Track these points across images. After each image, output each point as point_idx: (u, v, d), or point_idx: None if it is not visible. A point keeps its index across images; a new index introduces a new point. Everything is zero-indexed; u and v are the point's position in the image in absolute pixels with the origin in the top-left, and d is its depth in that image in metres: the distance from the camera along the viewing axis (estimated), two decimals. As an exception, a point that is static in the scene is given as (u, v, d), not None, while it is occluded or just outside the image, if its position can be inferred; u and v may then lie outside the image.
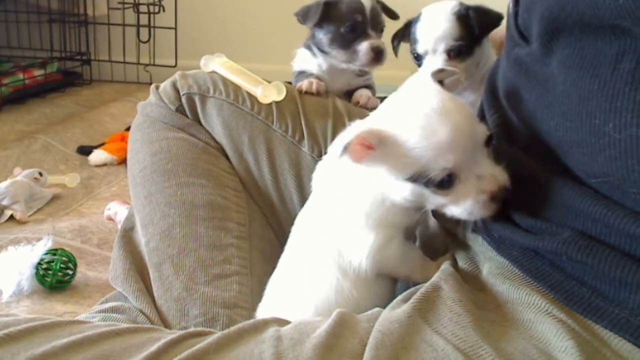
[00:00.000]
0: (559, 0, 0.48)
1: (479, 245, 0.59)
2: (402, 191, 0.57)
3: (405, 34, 1.03)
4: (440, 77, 0.61)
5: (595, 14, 0.44)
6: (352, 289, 0.64)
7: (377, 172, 0.58)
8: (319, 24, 1.05)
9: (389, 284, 0.67)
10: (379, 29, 1.06)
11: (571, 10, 0.47)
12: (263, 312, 0.73)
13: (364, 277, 0.64)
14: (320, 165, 0.71)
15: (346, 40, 1.04)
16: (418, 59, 0.99)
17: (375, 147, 0.54)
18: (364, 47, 1.02)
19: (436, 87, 0.58)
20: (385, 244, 0.62)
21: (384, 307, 0.56)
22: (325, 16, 1.05)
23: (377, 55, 1.02)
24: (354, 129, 0.55)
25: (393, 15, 1.10)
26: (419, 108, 0.55)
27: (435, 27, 0.95)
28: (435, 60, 0.95)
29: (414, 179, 0.54)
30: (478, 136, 0.55)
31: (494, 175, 0.55)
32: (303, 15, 1.08)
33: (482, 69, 0.98)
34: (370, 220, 0.61)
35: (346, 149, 0.53)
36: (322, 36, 1.06)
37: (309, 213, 0.71)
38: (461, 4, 0.97)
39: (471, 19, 0.94)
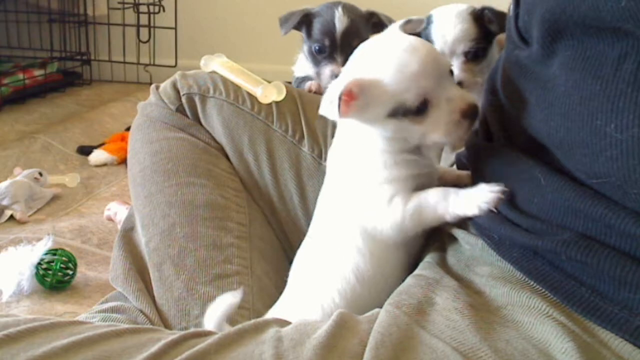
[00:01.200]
0: (560, 2, 0.48)
1: (480, 249, 0.59)
2: (386, 130, 0.63)
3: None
4: (408, 29, 0.68)
5: (597, 17, 0.44)
6: (369, 266, 0.67)
7: (363, 128, 0.64)
8: (305, 32, 1.05)
9: (404, 261, 0.68)
10: (350, 52, 1.03)
11: (572, 12, 0.47)
12: (287, 297, 0.74)
13: (384, 249, 0.66)
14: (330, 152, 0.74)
15: (316, 58, 1.03)
16: None
17: (358, 96, 0.60)
18: (326, 72, 1.01)
19: (402, 33, 0.67)
20: (395, 195, 0.64)
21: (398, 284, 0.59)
22: (305, 27, 1.04)
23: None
24: (334, 88, 0.61)
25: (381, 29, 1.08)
26: (389, 50, 0.62)
27: (452, 29, 0.94)
28: (453, 65, 0.94)
29: (394, 112, 0.61)
30: (443, 66, 0.62)
31: (462, 96, 0.62)
32: (283, 21, 1.08)
33: (489, 69, 0.98)
34: (381, 179, 0.65)
35: (335, 104, 0.59)
36: (304, 45, 1.06)
37: (325, 196, 0.74)
38: (472, 5, 0.96)
39: (486, 20, 0.93)
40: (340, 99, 0.59)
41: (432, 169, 0.69)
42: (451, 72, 0.64)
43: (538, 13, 0.52)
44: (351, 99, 0.60)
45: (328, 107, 0.61)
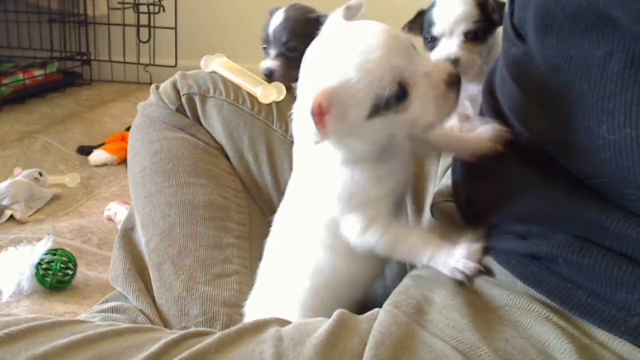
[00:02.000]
0: None
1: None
2: (372, 135, 0.57)
3: (415, 24, 1.02)
4: (350, 14, 0.60)
5: (589, 4, 0.44)
6: (343, 264, 0.64)
7: (338, 143, 0.58)
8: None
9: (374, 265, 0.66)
10: (281, 48, 0.99)
11: (565, 2, 0.47)
12: (255, 300, 0.73)
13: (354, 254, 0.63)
14: (294, 149, 0.69)
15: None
16: (432, 41, 0.97)
17: (330, 108, 0.52)
18: (262, 66, 0.99)
19: (347, 22, 0.59)
20: (370, 224, 0.60)
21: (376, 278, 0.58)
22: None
23: (267, 77, 0.97)
24: (299, 111, 0.55)
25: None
26: (344, 44, 0.55)
27: (454, 9, 0.94)
28: (451, 43, 0.94)
29: (375, 109, 0.54)
30: (404, 41, 0.56)
31: (438, 67, 0.56)
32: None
33: (491, 61, 0.98)
34: (346, 203, 0.60)
35: (312, 125, 0.52)
36: None
37: (291, 196, 0.70)
38: None
39: (489, 8, 0.94)
40: (313, 118, 0.51)
41: (407, 174, 0.65)
42: (413, 46, 0.58)
43: (532, 7, 0.52)
44: (324, 113, 0.52)
45: (305, 133, 0.53)
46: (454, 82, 0.56)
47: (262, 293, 0.73)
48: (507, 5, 0.63)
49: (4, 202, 1.45)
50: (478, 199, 0.62)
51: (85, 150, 1.92)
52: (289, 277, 0.68)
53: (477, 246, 0.56)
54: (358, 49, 0.54)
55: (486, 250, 0.56)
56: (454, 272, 0.55)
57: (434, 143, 0.66)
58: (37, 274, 1.11)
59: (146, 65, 2.69)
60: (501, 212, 0.56)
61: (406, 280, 0.60)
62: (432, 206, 0.73)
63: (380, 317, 0.51)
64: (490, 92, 0.67)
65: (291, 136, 0.90)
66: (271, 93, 0.90)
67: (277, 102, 0.92)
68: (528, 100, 0.55)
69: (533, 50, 0.53)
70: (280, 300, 0.68)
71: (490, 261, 0.57)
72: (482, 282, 0.55)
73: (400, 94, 0.54)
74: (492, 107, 0.66)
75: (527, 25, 0.54)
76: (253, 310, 0.73)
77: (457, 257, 0.56)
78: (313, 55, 0.58)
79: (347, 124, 0.54)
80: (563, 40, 0.48)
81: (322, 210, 0.63)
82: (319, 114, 0.52)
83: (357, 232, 0.60)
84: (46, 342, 0.47)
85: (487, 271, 0.55)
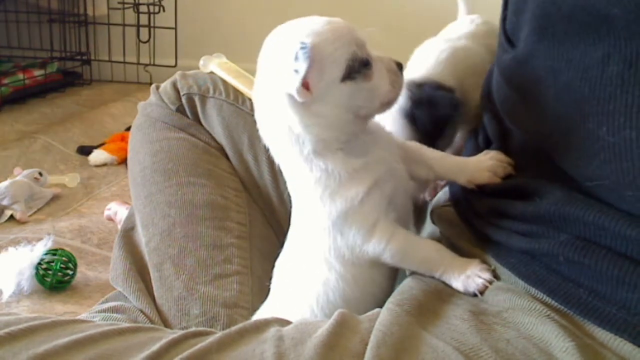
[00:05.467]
0: None
1: (481, 258, 0.59)
2: (340, 104, 0.58)
3: None
4: None
5: (586, 3, 0.44)
6: (346, 286, 0.63)
7: (307, 120, 0.58)
8: None
9: (386, 278, 0.65)
10: None
11: (561, 3, 0.47)
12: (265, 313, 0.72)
13: (358, 270, 0.63)
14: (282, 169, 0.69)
15: None
16: None
17: (313, 63, 0.55)
18: None
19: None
20: (373, 230, 0.60)
21: (383, 301, 0.56)
22: None
23: None
24: (283, 58, 0.56)
25: None
26: (311, 22, 0.59)
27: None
28: None
29: (349, 70, 0.57)
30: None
31: (383, 54, 0.62)
32: None
33: None
34: (332, 204, 0.60)
35: (301, 73, 0.54)
36: None
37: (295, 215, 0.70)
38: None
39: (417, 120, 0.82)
40: (306, 68, 0.54)
41: (394, 174, 0.64)
42: None
43: (529, 10, 0.52)
44: (311, 70, 0.55)
45: (287, 81, 0.55)
46: (399, 68, 0.62)
47: (271, 310, 0.71)
48: (501, 11, 0.63)
49: (4, 202, 1.45)
50: (479, 201, 0.62)
51: (85, 150, 1.92)
52: (297, 296, 0.67)
53: (487, 266, 0.57)
54: (325, 20, 0.59)
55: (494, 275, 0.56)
56: (467, 289, 0.56)
57: (431, 165, 0.67)
58: (37, 274, 1.11)
59: (146, 65, 2.69)
60: (501, 212, 0.56)
61: (409, 280, 0.60)
62: (432, 213, 0.73)
63: (382, 316, 0.51)
64: (488, 97, 0.67)
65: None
66: (268, 95, 0.90)
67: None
68: (523, 104, 0.56)
69: (527, 54, 0.54)
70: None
71: (490, 260, 0.57)
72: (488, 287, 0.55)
73: (366, 62, 0.59)
74: (489, 110, 0.67)
75: (519, 31, 0.54)
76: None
77: (469, 274, 0.57)
78: (276, 37, 0.61)
79: (323, 85, 0.57)
80: (559, 43, 0.48)
81: (322, 226, 0.62)
82: (307, 73, 0.54)
83: (360, 239, 0.60)
84: (47, 342, 0.47)
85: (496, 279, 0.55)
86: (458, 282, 0.57)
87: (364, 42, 0.59)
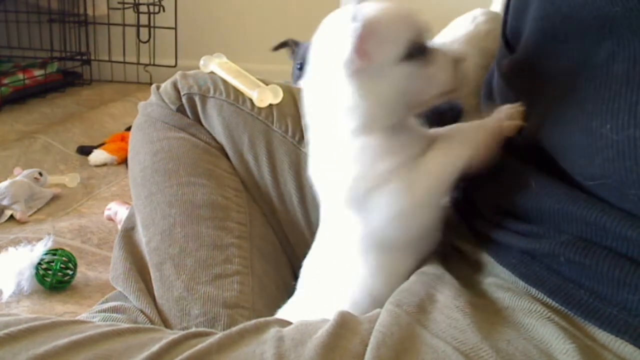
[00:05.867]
0: None
1: (481, 260, 0.59)
2: (396, 86, 0.58)
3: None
4: None
5: (586, 2, 0.44)
6: (378, 282, 0.63)
7: (359, 98, 0.58)
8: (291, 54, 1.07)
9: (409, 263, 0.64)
10: None
11: (561, 2, 0.46)
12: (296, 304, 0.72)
13: (393, 260, 0.62)
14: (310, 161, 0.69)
15: (297, 75, 1.04)
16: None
17: (371, 36, 0.55)
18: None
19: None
20: (389, 182, 0.59)
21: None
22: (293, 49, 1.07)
23: None
24: (338, 27, 0.57)
25: None
26: (377, 4, 0.58)
27: None
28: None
29: (410, 51, 0.57)
30: None
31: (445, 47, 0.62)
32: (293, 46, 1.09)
33: None
34: (362, 181, 0.60)
35: (351, 42, 0.54)
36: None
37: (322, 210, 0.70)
38: None
39: None
40: (358, 34, 0.53)
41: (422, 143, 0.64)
42: None
43: (530, 12, 0.52)
44: (365, 40, 0.55)
45: (345, 48, 0.55)
46: (459, 60, 0.60)
47: (298, 306, 0.71)
48: (502, 15, 0.63)
49: (4, 202, 1.45)
50: (478, 198, 0.62)
51: (85, 150, 1.93)
52: (323, 289, 0.67)
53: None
54: (388, 3, 0.58)
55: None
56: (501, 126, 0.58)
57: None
58: (37, 274, 1.11)
59: (146, 65, 2.69)
60: (502, 210, 0.56)
61: (411, 278, 0.60)
62: None
63: (382, 317, 0.51)
64: (489, 97, 0.67)
65: (291, 137, 0.90)
66: (267, 97, 0.90)
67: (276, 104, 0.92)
68: (524, 105, 0.55)
69: (527, 56, 0.53)
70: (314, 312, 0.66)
71: (491, 261, 0.57)
72: (485, 284, 0.55)
73: (426, 49, 0.58)
74: (491, 110, 0.67)
75: (520, 35, 0.54)
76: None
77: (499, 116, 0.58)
78: (336, 15, 0.60)
79: (380, 60, 0.57)
80: (561, 43, 0.48)
81: (345, 210, 0.62)
82: (362, 38, 0.54)
83: (386, 200, 0.58)
84: (47, 342, 0.47)
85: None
86: (490, 126, 0.58)
87: (426, 29, 0.59)
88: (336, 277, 0.66)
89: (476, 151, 0.59)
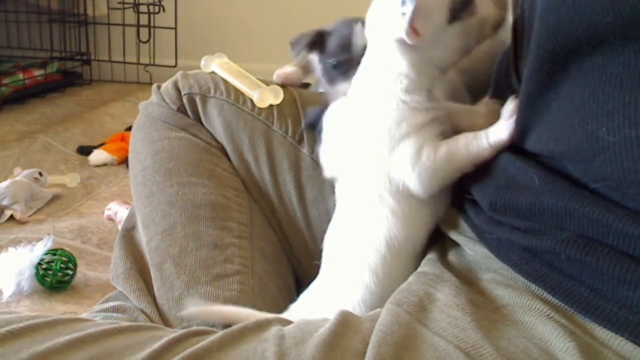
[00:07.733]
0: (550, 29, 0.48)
1: (481, 256, 0.59)
2: (451, 43, 0.65)
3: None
4: None
5: (575, 13, 0.44)
6: (400, 228, 0.66)
7: (416, 59, 0.64)
8: (318, 52, 1.00)
9: (431, 223, 0.69)
10: None
11: (549, 16, 0.47)
12: (321, 280, 0.73)
13: (414, 209, 0.66)
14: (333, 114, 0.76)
15: (330, 75, 0.98)
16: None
17: (419, 12, 0.60)
18: (340, 90, 0.93)
19: None
20: (422, 147, 0.64)
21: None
22: (319, 47, 0.99)
23: None
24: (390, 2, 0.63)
25: None
26: None
27: None
28: None
29: (453, 13, 0.63)
30: None
31: None
32: (294, 43, 1.03)
33: None
34: (404, 131, 0.64)
35: (408, 17, 0.59)
36: (318, 67, 1.01)
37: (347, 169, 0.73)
38: None
39: None
40: (412, 16, 0.59)
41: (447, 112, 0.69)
42: None
43: (531, 43, 0.52)
44: (417, 18, 0.60)
45: (396, 26, 0.61)
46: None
47: (325, 282, 0.73)
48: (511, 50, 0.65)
49: (4, 202, 1.45)
50: (478, 194, 0.62)
51: (85, 150, 1.93)
52: (353, 263, 0.69)
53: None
54: None
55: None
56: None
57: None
58: (37, 274, 1.11)
59: (146, 65, 2.69)
60: (502, 207, 0.56)
61: (410, 278, 0.60)
62: None
63: (382, 316, 0.51)
64: (500, 91, 0.68)
65: (291, 137, 0.90)
66: (267, 97, 0.90)
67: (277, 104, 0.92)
68: (525, 120, 0.56)
69: (537, 90, 0.54)
70: (343, 290, 0.69)
71: (490, 257, 0.57)
72: (485, 282, 0.55)
73: (467, 1, 0.63)
74: None
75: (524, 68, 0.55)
76: (307, 305, 0.73)
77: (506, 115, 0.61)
78: None
79: (431, 30, 0.62)
80: (559, 64, 0.48)
81: (376, 168, 0.66)
82: (413, 19, 0.60)
83: (410, 159, 0.64)
84: (48, 340, 0.47)
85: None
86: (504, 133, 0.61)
87: None
88: (363, 241, 0.68)
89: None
